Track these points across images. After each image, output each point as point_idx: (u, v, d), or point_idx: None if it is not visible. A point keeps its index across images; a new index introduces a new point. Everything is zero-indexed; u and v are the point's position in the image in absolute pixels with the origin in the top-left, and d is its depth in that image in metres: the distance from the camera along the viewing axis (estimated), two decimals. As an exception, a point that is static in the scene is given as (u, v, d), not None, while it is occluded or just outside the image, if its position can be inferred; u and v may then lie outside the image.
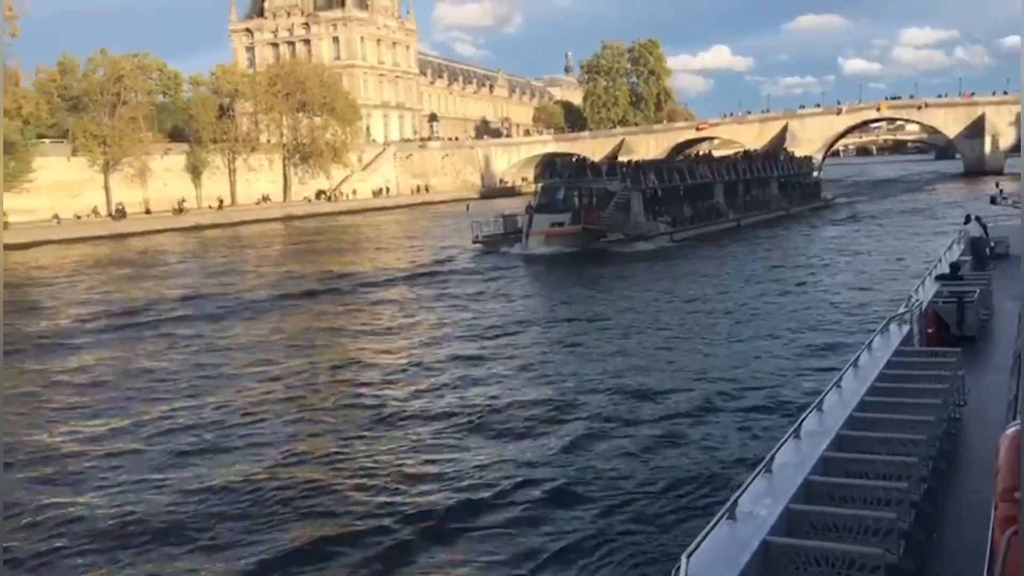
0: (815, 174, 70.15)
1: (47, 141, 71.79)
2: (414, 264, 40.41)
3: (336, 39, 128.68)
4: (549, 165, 47.39)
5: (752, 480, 5.84)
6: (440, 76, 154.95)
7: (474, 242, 44.62)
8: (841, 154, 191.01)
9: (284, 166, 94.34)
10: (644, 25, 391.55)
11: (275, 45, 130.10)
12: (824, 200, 65.48)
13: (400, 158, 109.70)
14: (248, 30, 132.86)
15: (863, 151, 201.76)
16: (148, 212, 74.84)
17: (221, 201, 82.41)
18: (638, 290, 30.11)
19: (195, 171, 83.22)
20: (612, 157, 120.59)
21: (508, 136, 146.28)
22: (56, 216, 67.40)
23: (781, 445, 6.50)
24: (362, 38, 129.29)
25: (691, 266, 36.03)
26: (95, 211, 72.42)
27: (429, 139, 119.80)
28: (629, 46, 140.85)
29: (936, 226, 45.28)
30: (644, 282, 32.02)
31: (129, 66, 77.77)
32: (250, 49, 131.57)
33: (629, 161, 50.50)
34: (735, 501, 5.46)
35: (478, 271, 37.15)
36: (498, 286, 32.40)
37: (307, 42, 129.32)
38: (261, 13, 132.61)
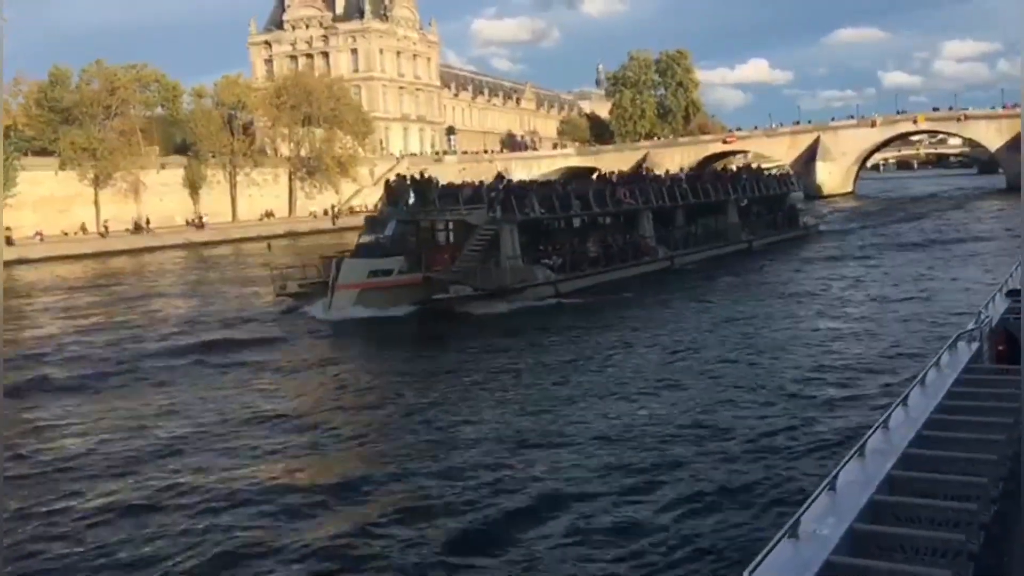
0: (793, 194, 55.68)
1: (37, 154, 69.75)
2: (170, 333, 27.89)
3: (355, 51, 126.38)
4: (390, 187, 34.48)
5: (815, 498, 5.67)
6: (465, 88, 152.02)
7: (278, 295, 31.63)
8: (881, 168, 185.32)
9: (290, 180, 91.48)
10: (682, 39, 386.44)
11: (294, 58, 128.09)
12: (804, 228, 52.28)
13: (414, 172, 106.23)
14: (267, 42, 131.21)
15: (904, 165, 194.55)
16: (137, 229, 72.06)
17: (200, 218, 78.86)
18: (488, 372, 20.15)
19: (193, 186, 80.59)
20: (636, 171, 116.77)
21: (535, 149, 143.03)
22: (39, 233, 64.92)
23: (845, 463, 6.26)
24: (381, 50, 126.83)
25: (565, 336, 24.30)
26: (83, 228, 69.87)
27: (446, 153, 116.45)
28: (656, 57, 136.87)
29: (952, 269, 34.21)
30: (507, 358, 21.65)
31: (125, 77, 75.43)
32: (269, 62, 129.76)
33: (507, 182, 36.89)
34: (797, 519, 5.27)
35: (240, 349, 24.26)
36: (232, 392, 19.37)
37: (325, 55, 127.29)
38: (280, 26, 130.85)
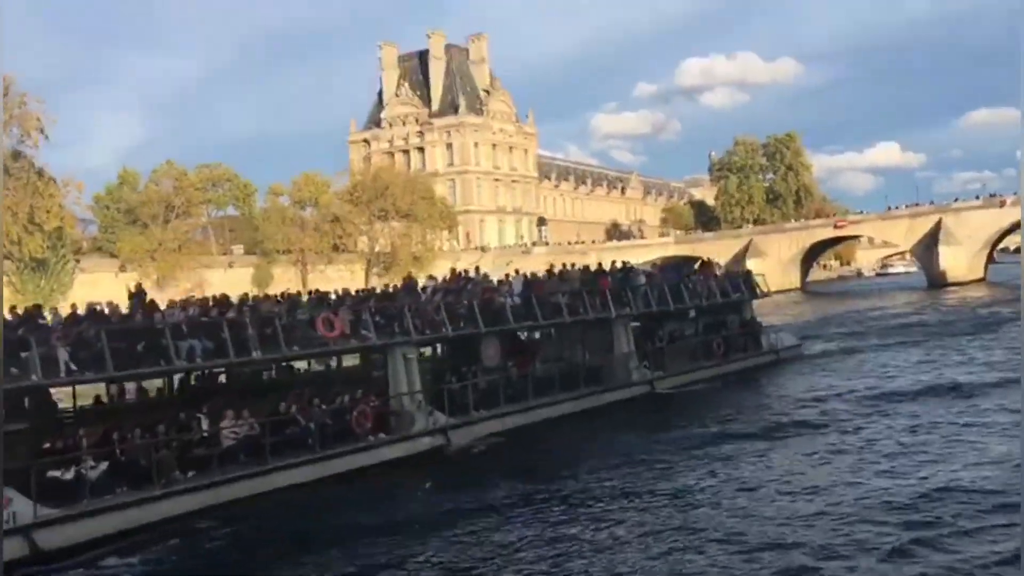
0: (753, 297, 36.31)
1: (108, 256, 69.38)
2: None
3: (449, 145, 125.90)
4: None
5: None
6: (566, 179, 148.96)
7: None
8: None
9: (366, 277, 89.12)
10: (806, 125, 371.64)
11: (391, 154, 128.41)
12: (772, 352, 34.53)
13: (500, 265, 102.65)
14: (366, 140, 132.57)
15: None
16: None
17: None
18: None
19: (262, 284, 78.86)
20: (738, 260, 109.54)
21: (642, 238, 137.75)
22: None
23: None
24: (476, 143, 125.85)
25: None
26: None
27: (535, 244, 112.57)
28: (764, 141, 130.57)
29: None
30: None
31: (196, 177, 75.15)
32: (367, 159, 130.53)
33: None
34: None
35: None
36: None
37: (421, 149, 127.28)
38: (379, 124, 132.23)
